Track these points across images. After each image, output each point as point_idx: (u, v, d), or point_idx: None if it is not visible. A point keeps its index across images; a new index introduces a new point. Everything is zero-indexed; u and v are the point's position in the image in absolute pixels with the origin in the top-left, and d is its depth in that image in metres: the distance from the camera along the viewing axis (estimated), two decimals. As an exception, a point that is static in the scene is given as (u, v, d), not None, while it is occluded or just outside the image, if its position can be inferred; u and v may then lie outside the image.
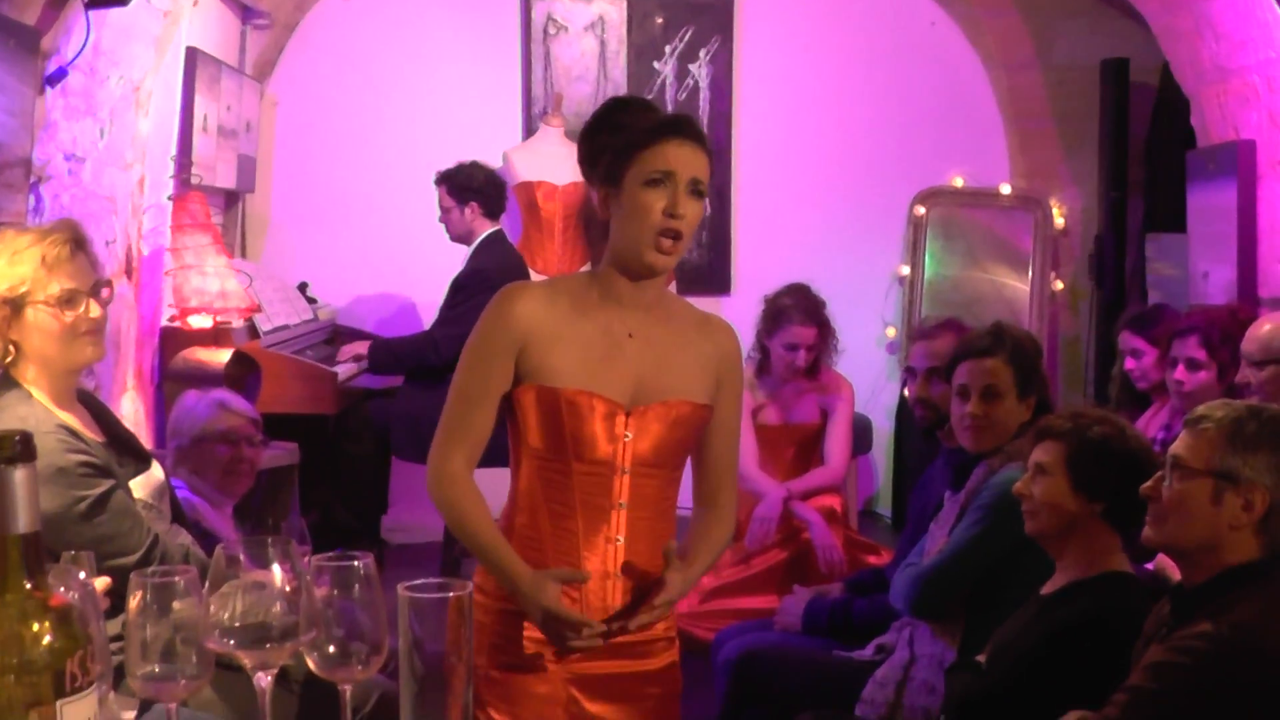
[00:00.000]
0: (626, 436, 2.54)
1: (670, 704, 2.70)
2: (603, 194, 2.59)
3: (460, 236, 6.18)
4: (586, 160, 2.65)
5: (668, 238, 2.51)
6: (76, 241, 2.91)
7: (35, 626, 1.37)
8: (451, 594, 1.65)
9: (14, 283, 2.82)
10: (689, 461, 2.72)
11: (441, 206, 6.20)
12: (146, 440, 5.08)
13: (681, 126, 2.55)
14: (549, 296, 2.60)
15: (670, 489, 2.65)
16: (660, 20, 7.48)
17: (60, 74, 4.25)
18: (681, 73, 7.50)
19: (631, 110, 2.62)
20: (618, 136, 2.56)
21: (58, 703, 1.37)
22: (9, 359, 2.85)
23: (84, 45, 4.30)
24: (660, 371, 2.58)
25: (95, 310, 2.89)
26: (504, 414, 2.61)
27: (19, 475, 1.37)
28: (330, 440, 6.36)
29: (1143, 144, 7.09)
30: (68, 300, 2.85)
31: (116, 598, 2.26)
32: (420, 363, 6.01)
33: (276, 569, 1.69)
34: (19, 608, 1.37)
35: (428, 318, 6.99)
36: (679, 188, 2.50)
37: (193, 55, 5.77)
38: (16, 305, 2.83)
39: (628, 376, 2.55)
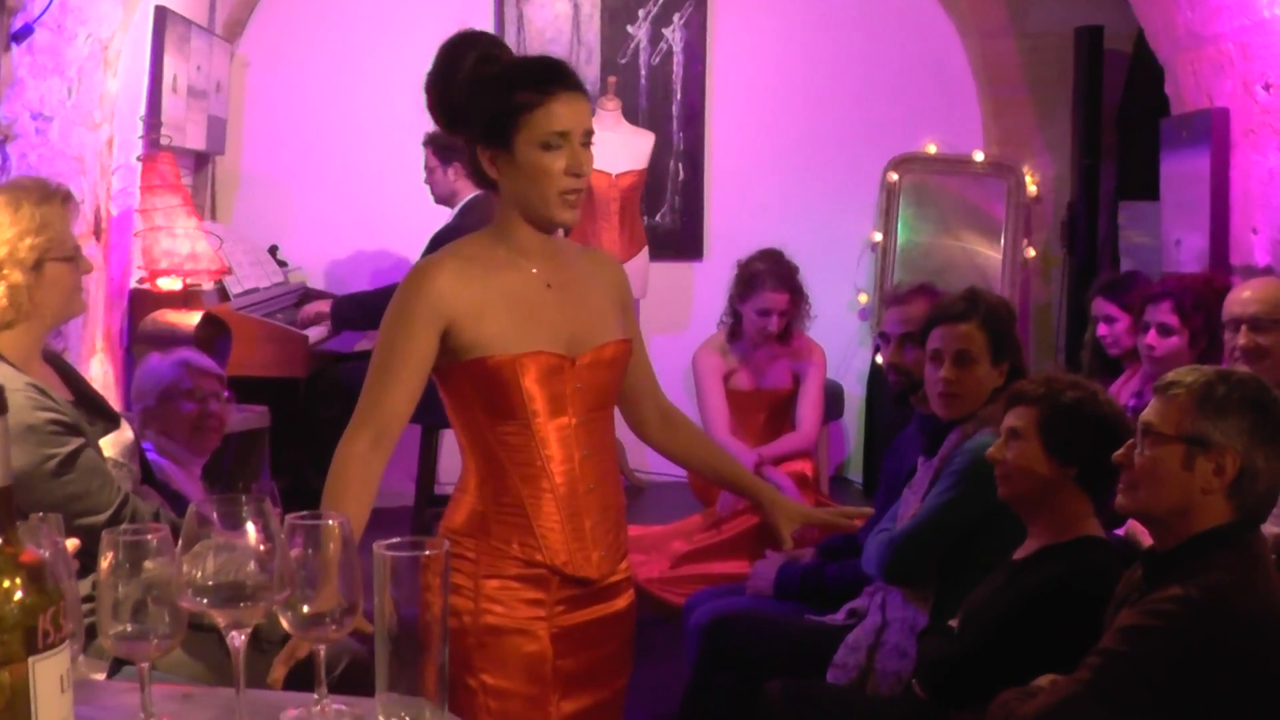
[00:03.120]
0: (577, 387, 2.56)
1: (629, 642, 2.77)
2: (488, 155, 2.53)
3: (444, 198, 6.11)
4: (447, 117, 2.59)
5: (571, 195, 2.51)
6: (69, 196, 2.94)
7: (6, 583, 1.35)
8: (428, 553, 1.64)
9: (42, 238, 2.84)
10: (622, 395, 2.79)
11: (426, 167, 6.13)
12: (116, 403, 5.05)
13: (566, 78, 2.52)
14: (459, 266, 2.56)
15: (612, 428, 2.70)
16: (634, -17, 7.44)
17: (27, 31, 4.19)
18: (655, 36, 7.46)
19: (489, 59, 2.55)
20: (498, 95, 2.50)
21: (30, 660, 1.34)
22: (7, 319, 2.83)
23: (51, 2, 4.24)
24: (585, 315, 2.60)
25: (88, 264, 2.92)
26: (440, 391, 2.61)
27: (-11, 428, 1.35)
28: (301, 404, 6.33)
29: (1116, 111, 7.09)
30: (76, 254, 2.88)
31: (86, 557, 2.24)
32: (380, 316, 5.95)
33: (251, 527, 1.67)
34: (-11, 563, 1.35)
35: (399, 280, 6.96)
36: (574, 144, 2.49)
37: (162, 14, 5.71)
38: (40, 262, 2.83)
39: (560, 327, 2.56)
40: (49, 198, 2.87)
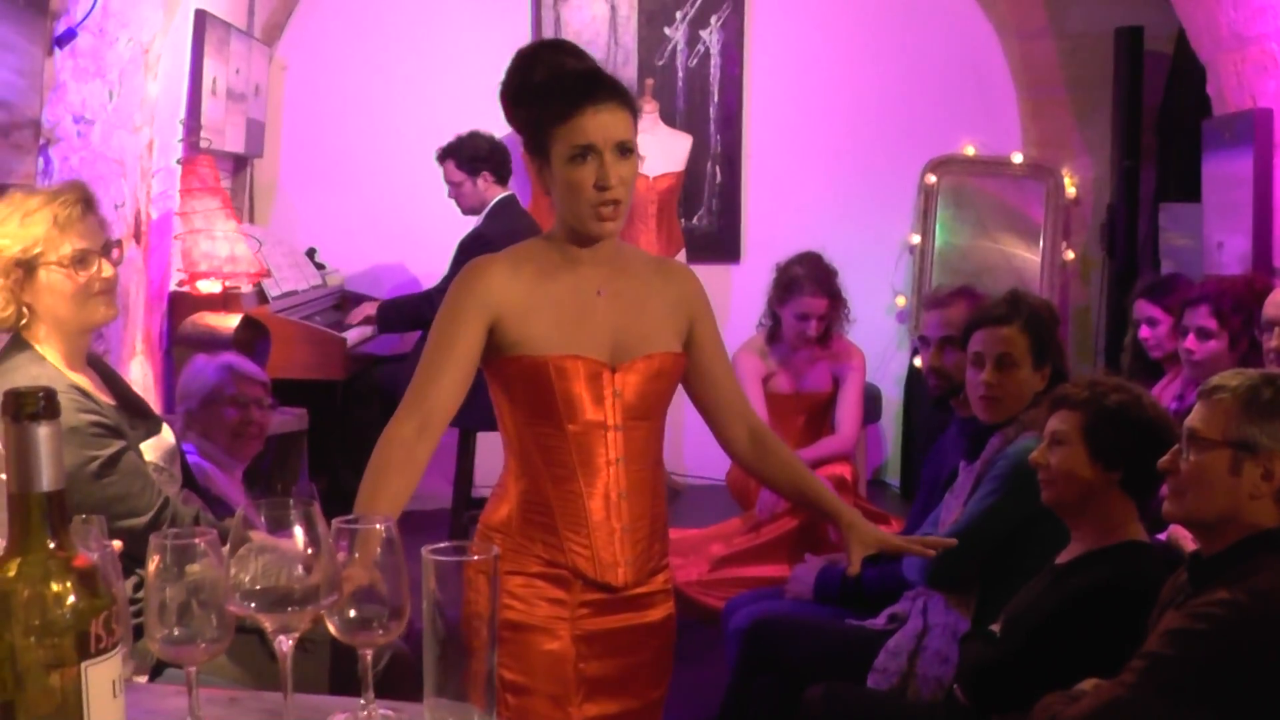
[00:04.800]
0: (616, 394, 2.57)
1: (666, 654, 2.75)
2: (535, 165, 2.58)
3: (474, 208, 6.09)
4: (513, 126, 2.63)
5: (606, 207, 2.50)
6: (86, 202, 2.91)
7: (58, 587, 1.35)
8: (475, 557, 1.64)
9: (27, 244, 2.81)
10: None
11: (450, 181, 6.10)
12: (155, 405, 5.07)
13: (595, 91, 2.51)
14: (513, 266, 2.59)
15: (657, 439, 2.70)
16: (672, -15, 7.44)
17: (69, 35, 4.22)
18: (692, 38, 7.46)
19: (543, 68, 2.56)
20: (534, 108, 2.54)
21: (82, 664, 1.35)
22: (22, 321, 2.84)
23: (93, 6, 4.27)
24: (634, 324, 2.61)
25: (108, 270, 2.89)
26: (486, 387, 2.63)
27: (42, 432, 1.35)
28: (339, 406, 6.35)
29: (1156, 112, 7.05)
30: (80, 260, 2.84)
31: (127, 560, 2.25)
32: (418, 319, 5.96)
33: (299, 531, 1.67)
34: (42, 567, 1.35)
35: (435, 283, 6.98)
36: (604, 157, 2.48)
37: (201, 18, 5.74)
38: (29, 266, 2.81)
39: (605, 334, 2.58)
40: (44, 203, 2.86)
